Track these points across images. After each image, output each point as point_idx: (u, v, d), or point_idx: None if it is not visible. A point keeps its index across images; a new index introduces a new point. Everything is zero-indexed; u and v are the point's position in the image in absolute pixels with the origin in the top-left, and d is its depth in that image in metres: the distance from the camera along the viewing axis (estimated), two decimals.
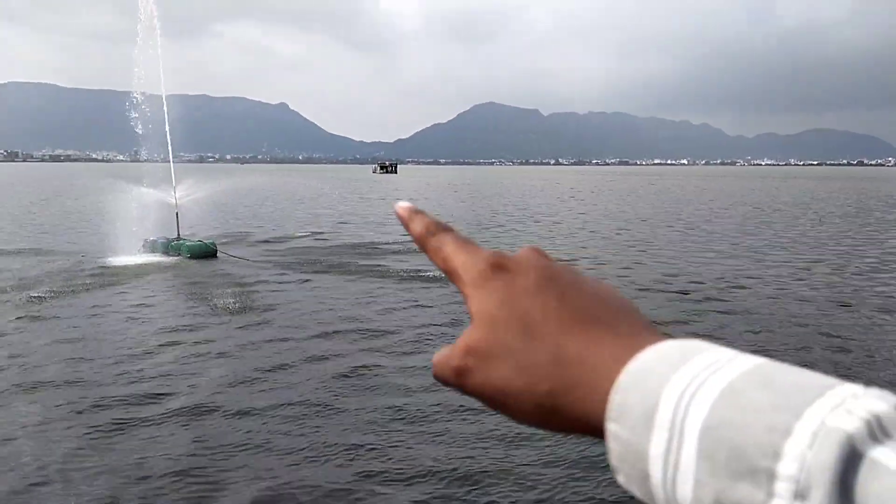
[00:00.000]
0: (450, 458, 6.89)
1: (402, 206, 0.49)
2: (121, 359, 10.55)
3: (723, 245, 24.46)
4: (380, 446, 7.21)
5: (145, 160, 24.62)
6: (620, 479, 0.35)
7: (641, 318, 0.42)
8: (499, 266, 0.42)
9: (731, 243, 24.95)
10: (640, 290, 15.68)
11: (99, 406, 8.58)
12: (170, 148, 23.83)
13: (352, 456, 7.06)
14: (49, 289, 15.49)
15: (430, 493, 6.34)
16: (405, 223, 0.48)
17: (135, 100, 23.55)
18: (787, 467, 0.28)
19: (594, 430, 0.36)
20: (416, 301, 13.88)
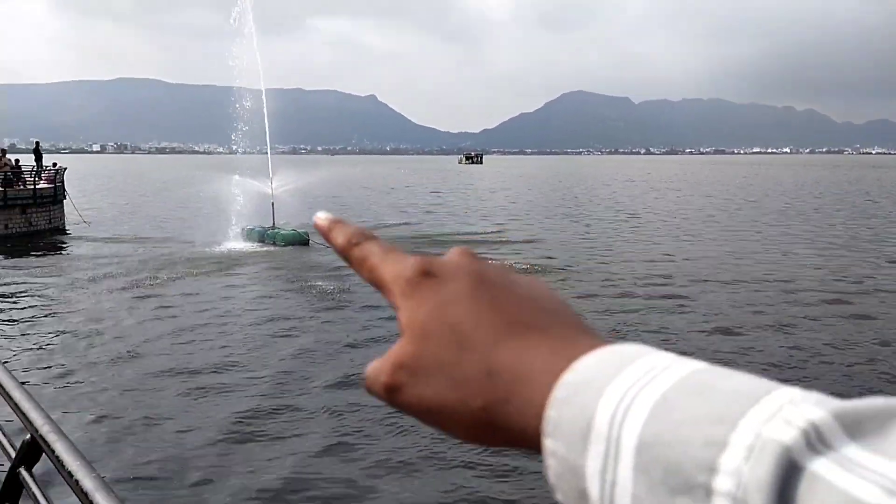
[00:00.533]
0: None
1: (322, 216, 0.45)
2: (218, 335, 11.35)
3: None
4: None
5: (243, 152, 25.86)
6: (559, 497, 0.33)
7: (577, 319, 0.39)
8: (427, 272, 0.40)
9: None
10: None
11: (198, 371, 9.29)
12: (268, 140, 24.92)
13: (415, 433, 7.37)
14: (163, 272, 16.70)
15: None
16: (325, 234, 0.45)
17: (236, 95, 24.78)
18: (723, 483, 0.27)
19: (534, 445, 0.34)
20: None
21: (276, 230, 21.89)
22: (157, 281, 15.69)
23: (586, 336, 0.37)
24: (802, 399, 0.28)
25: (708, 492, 0.27)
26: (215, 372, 9.54)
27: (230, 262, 18.43)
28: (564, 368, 0.34)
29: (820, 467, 0.26)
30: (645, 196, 49.16)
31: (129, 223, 29.19)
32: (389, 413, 7.94)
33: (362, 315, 12.59)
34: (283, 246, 21.06)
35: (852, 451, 0.26)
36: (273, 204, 22.89)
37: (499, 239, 23.66)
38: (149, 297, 14.26)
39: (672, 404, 0.29)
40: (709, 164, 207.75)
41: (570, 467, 0.32)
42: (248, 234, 22.12)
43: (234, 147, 25.76)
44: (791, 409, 0.27)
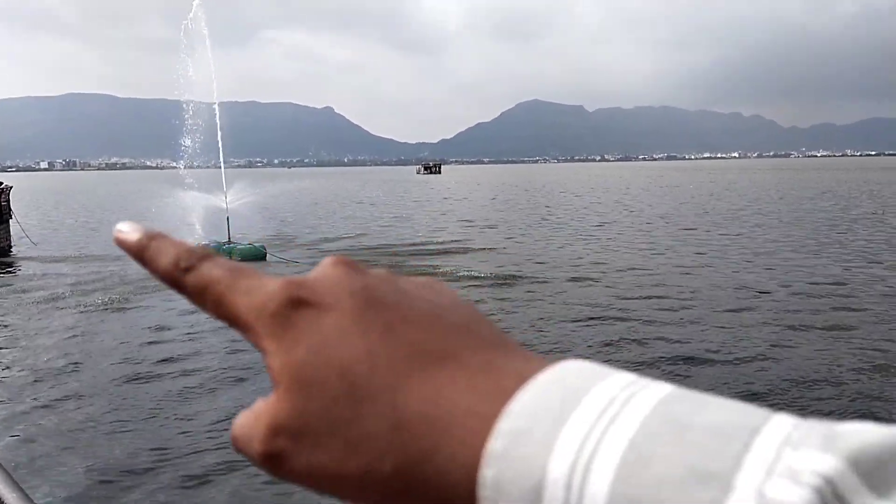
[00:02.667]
0: None
1: (126, 229, 0.33)
2: (172, 356, 10.86)
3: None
4: None
5: (198, 166, 25.29)
6: None
7: (494, 332, 0.30)
8: (297, 301, 0.29)
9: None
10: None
11: (151, 396, 8.86)
12: (221, 154, 24.43)
13: None
14: (113, 291, 16.03)
15: None
16: (138, 255, 0.32)
17: (188, 108, 24.23)
18: None
19: None
20: (467, 299, 13.99)
21: (231, 245, 21.37)
22: (108, 301, 15.07)
23: (512, 356, 0.28)
24: (802, 437, 0.21)
25: None
26: (167, 396, 9.11)
27: None
28: (495, 409, 0.26)
29: None
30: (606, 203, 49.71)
31: (79, 242, 28.23)
32: None
33: None
34: (240, 261, 20.11)
35: None
36: (228, 218, 22.39)
37: (461, 248, 23.54)
38: (97, 318, 13.67)
39: (644, 456, 0.22)
40: (662, 169, 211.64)
41: None
42: None
43: (187, 161, 25.19)
44: (793, 456, 0.20)
